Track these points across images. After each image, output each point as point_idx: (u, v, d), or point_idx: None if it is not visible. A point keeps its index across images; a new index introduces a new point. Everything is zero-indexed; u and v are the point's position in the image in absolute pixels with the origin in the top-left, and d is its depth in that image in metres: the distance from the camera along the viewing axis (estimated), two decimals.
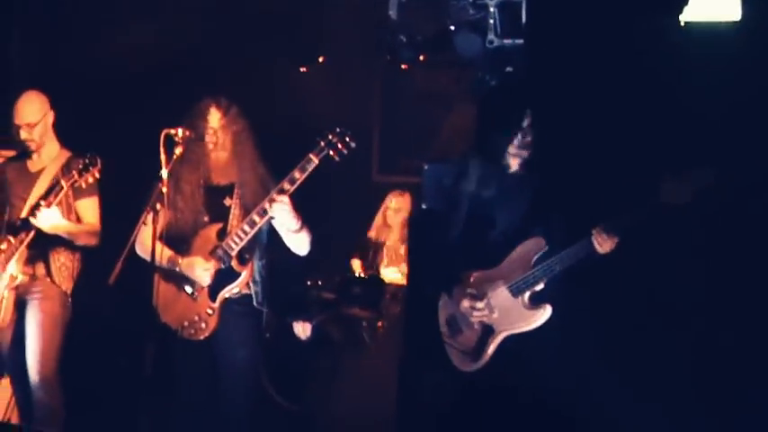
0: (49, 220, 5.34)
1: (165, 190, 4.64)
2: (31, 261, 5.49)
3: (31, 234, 5.37)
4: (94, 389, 6.26)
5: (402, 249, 7.78)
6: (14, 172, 5.63)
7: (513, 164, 4.65)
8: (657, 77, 5.52)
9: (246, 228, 4.81)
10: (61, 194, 5.34)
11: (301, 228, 4.86)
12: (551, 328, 4.51)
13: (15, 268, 5.42)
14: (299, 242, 4.93)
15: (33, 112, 5.54)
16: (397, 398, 5.93)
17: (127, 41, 6.90)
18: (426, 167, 5.98)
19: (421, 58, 7.67)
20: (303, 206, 4.97)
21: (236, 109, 4.99)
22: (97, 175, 5.32)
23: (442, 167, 5.99)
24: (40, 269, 5.51)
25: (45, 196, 5.35)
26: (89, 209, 5.60)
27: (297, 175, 4.77)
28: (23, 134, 5.54)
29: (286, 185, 4.77)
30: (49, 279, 5.51)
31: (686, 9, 5.43)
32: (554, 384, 4.40)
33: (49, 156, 5.62)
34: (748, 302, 5.61)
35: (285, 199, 4.74)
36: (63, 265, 5.56)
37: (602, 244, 4.41)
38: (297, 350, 7.09)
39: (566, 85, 5.44)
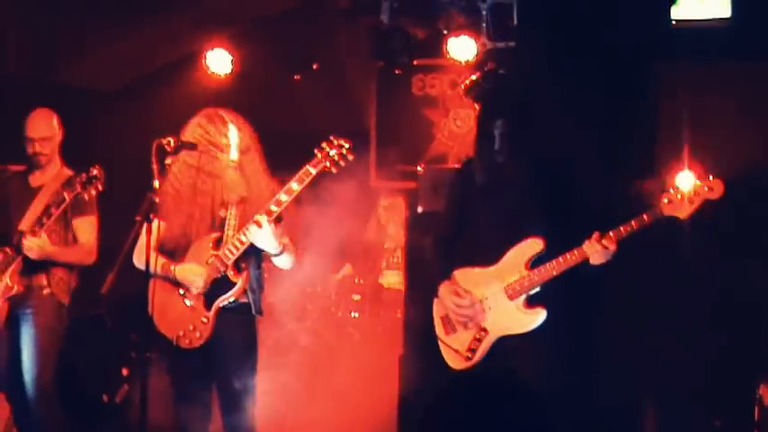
0: (35, 250, 5.36)
1: (157, 200, 4.60)
2: (27, 272, 5.49)
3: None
4: (93, 401, 6.27)
5: (399, 253, 7.76)
6: (16, 185, 5.66)
7: (509, 166, 4.61)
8: (651, 77, 5.53)
9: (243, 237, 4.80)
10: (57, 213, 5.32)
11: (282, 252, 4.86)
12: (546, 330, 4.49)
13: (11, 278, 5.42)
14: (281, 262, 4.95)
15: (48, 127, 5.63)
16: (398, 399, 5.95)
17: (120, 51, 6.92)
18: (421, 171, 6.00)
19: (415, 62, 7.71)
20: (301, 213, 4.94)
21: (243, 119, 4.97)
22: (101, 188, 5.32)
23: (438, 170, 6.02)
24: (39, 280, 5.51)
25: (39, 217, 5.35)
26: (85, 228, 5.63)
27: (294, 186, 4.73)
28: (37, 147, 5.57)
29: (283, 196, 4.73)
30: (46, 290, 5.51)
31: (676, 8, 5.46)
32: (546, 385, 4.39)
33: (50, 173, 5.66)
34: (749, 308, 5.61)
35: (264, 222, 4.71)
36: (61, 279, 5.58)
37: (597, 253, 4.39)
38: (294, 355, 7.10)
39: (562, 87, 5.45)
